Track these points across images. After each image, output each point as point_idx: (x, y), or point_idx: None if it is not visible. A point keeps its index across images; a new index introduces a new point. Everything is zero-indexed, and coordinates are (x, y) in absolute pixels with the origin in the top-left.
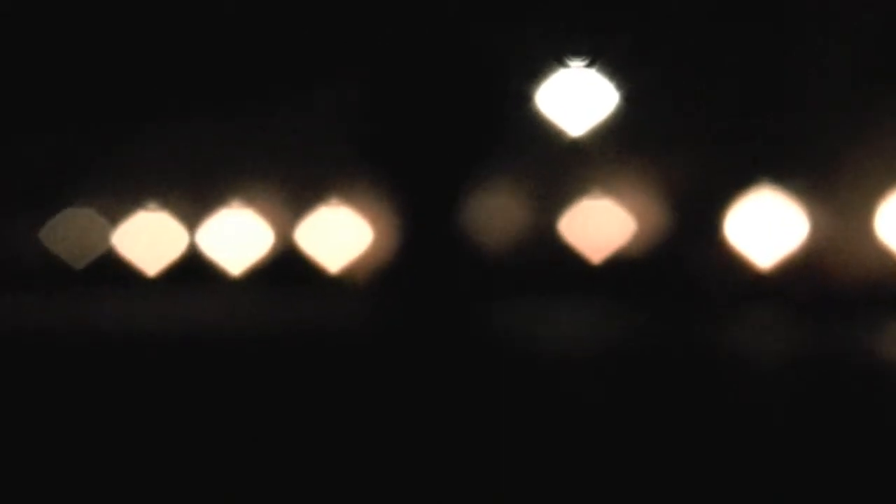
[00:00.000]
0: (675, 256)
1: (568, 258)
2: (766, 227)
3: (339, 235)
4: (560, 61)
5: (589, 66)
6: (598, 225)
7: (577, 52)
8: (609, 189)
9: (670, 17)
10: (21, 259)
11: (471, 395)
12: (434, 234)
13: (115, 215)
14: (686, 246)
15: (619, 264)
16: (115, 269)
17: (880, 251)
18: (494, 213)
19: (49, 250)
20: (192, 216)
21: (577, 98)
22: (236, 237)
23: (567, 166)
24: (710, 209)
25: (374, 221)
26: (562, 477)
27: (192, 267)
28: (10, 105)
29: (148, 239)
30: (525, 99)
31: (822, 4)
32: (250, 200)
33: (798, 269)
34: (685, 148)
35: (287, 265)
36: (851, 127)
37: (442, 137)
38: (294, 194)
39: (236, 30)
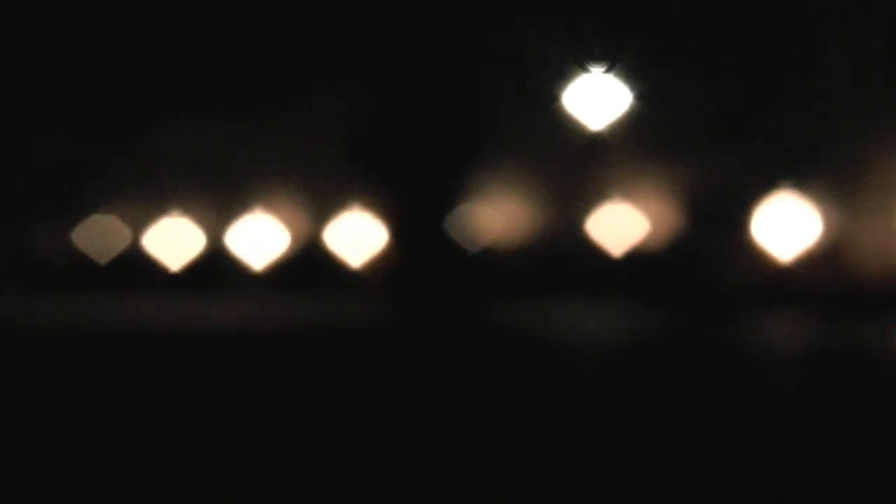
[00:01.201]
0: (695, 255)
1: (590, 257)
2: (784, 225)
3: (357, 237)
4: (582, 66)
5: (607, 71)
6: (620, 224)
7: (596, 58)
8: (629, 190)
9: (685, 23)
10: (50, 261)
11: (488, 393)
12: (450, 234)
13: (140, 220)
14: (706, 244)
15: (639, 263)
16: (140, 271)
17: None
18: (516, 211)
19: (77, 253)
20: (213, 220)
21: (596, 99)
22: (256, 240)
23: (590, 166)
24: (730, 208)
25: (390, 223)
26: (581, 475)
27: (214, 268)
28: (37, 113)
29: (171, 242)
30: (550, 100)
31: (841, 5)
32: (270, 204)
33: (817, 266)
34: (703, 148)
35: (304, 266)
36: (869, 127)
37: (461, 137)
38: (312, 197)
39: (253, 35)
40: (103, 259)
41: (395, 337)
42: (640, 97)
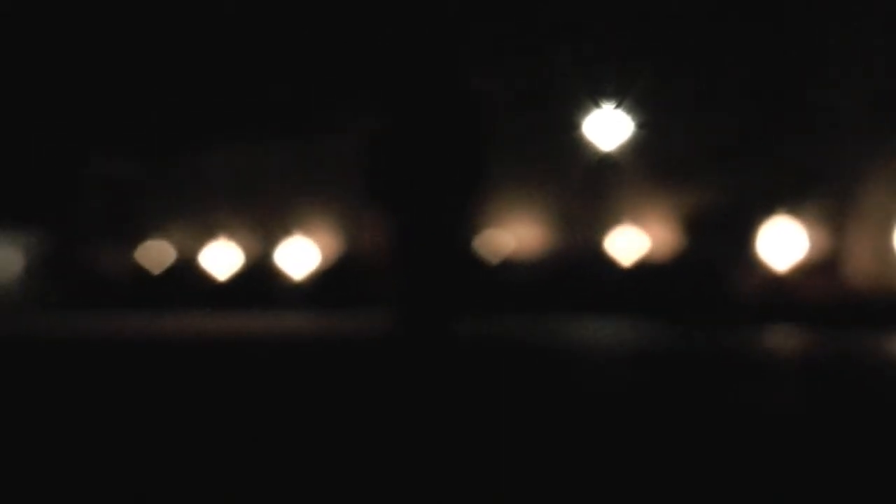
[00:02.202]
0: (700, 269)
1: (603, 273)
2: (779, 242)
3: (380, 255)
4: (595, 103)
5: (617, 106)
6: (630, 243)
7: (607, 96)
8: (639, 211)
9: (689, 62)
10: (111, 280)
11: (502, 400)
12: (475, 251)
13: (191, 243)
14: (710, 260)
15: (648, 278)
16: (190, 287)
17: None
18: (534, 231)
19: (135, 272)
20: (255, 243)
21: (607, 129)
22: (293, 260)
23: (603, 190)
24: (731, 228)
25: (414, 243)
26: (591, 486)
27: (255, 286)
28: (97, 146)
29: (219, 262)
30: (570, 130)
31: (844, 39)
32: (307, 228)
33: (809, 278)
34: (705, 174)
35: (331, 282)
36: (858, 157)
37: (480, 163)
38: (341, 220)
39: (290, 72)
40: (157, 276)
41: (415, 348)
42: (649, 128)
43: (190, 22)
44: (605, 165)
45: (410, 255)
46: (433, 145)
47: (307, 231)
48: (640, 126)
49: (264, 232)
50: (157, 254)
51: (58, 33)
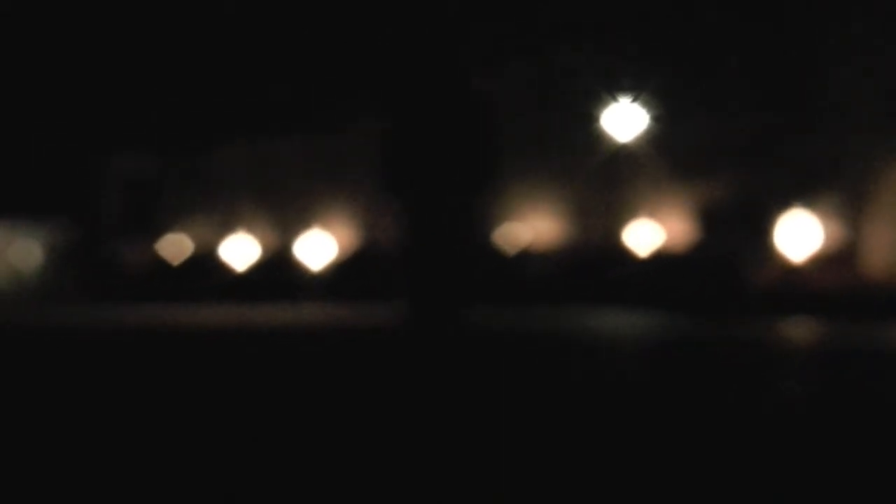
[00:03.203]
0: (718, 261)
1: (621, 264)
2: (799, 235)
3: (395, 248)
4: (613, 97)
5: (634, 100)
6: (647, 235)
7: (625, 89)
8: (657, 204)
9: (706, 57)
10: (132, 272)
11: (513, 392)
12: (494, 243)
13: (210, 237)
14: (729, 251)
15: (664, 269)
16: (211, 279)
17: None
18: (552, 223)
19: (156, 264)
20: (273, 236)
21: (624, 123)
22: (311, 252)
23: (622, 182)
24: (748, 220)
25: (433, 235)
26: (605, 478)
27: (273, 278)
28: (119, 143)
29: (237, 254)
30: (589, 122)
31: (861, 35)
32: (325, 221)
33: (825, 268)
34: (722, 165)
35: (348, 274)
36: (884, 145)
37: (496, 153)
38: (358, 214)
39: (306, 70)
40: (177, 268)
41: (428, 339)
42: (666, 122)
43: (209, 21)
44: (621, 158)
45: (422, 247)
46: (443, 139)
47: (325, 224)
48: (657, 119)
49: (282, 225)
50: (176, 247)
51: (84, 32)
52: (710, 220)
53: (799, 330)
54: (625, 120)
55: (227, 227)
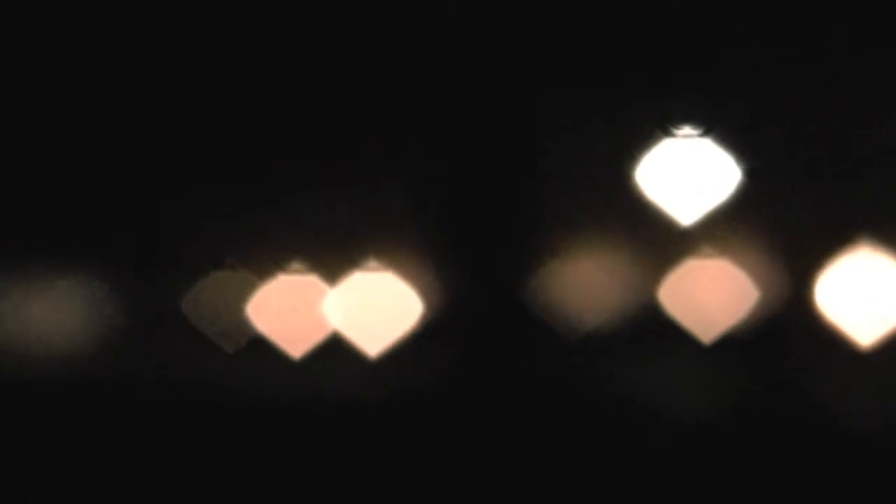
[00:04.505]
0: (776, 322)
1: (664, 323)
2: (868, 298)
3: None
4: (665, 130)
5: (703, 135)
6: (697, 291)
7: (686, 119)
8: (708, 255)
9: (779, 89)
10: (164, 318)
11: (559, 461)
12: (527, 297)
13: (255, 279)
14: (788, 312)
15: (719, 330)
16: (255, 341)
17: None
18: (594, 274)
19: (191, 312)
20: (331, 278)
21: (685, 175)
22: (373, 300)
23: (667, 241)
24: (814, 275)
25: (467, 285)
26: None
27: (333, 338)
28: (158, 173)
29: (287, 302)
30: (622, 173)
31: None
32: (387, 262)
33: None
34: (795, 214)
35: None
36: None
37: (529, 204)
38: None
39: (352, 111)
40: (222, 317)
41: (474, 396)
42: (746, 169)
43: (259, 68)
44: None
45: (471, 299)
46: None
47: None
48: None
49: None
50: (224, 289)
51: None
52: (777, 268)
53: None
54: (676, 159)
55: (275, 270)
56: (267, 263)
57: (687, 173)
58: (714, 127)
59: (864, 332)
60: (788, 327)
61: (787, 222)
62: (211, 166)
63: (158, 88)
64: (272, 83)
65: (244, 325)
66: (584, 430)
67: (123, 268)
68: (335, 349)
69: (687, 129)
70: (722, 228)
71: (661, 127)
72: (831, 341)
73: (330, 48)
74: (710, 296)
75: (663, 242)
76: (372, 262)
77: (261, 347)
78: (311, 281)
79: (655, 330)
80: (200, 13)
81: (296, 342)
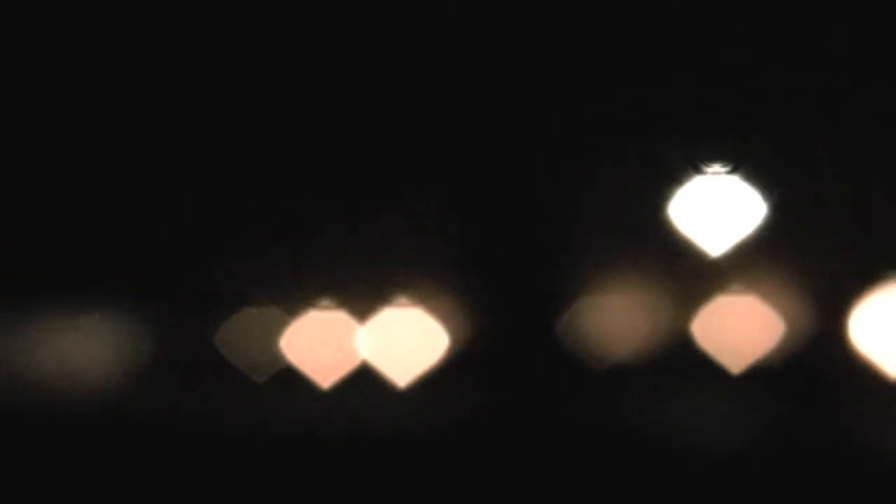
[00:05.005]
0: (807, 357)
1: (697, 358)
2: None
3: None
4: (695, 167)
5: (731, 172)
6: (729, 326)
7: (716, 157)
8: (738, 291)
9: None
10: (195, 360)
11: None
12: (559, 337)
13: (286, 315)
14: (820, 346)
15: (755, 366)
16: (286, 373)
17: None
18: (626, 311)
19: (223, 352)
20: (361, 314)
21: (714, 211)
22: (403, 337)
23: (698, 276)
24: (845, 310)
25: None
26: None
27: (362, 371)
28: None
29: (317, 339)
30: (655, 211)
31: None
32: (418, 298)
33: None
34: (823, 251)
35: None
36: None
37: (560, 242)
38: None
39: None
40: (251, 361)
41: (515, 430)
42: (775, 205)
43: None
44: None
45: (502, 333)
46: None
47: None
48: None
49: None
50: (255, 325)
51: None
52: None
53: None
54: (708, 197)
55: (306, 307)
56: (298, 300)
57: (716, 208)
58: (741, 165)
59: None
60: (821, 361)
61: (819, 259)
62: (243, 205)
63: (194, 128)
64: (305, 123)
65: (274, 359)
66: (611, 462)
67: (158, 305)
68: (365, 380)
69: (716, 167)
70: (753, 264)
71: (692, 165)
72: (864, 375)
73: (365, 90)
74: (740, 330)
75: (694, 277)
76: (401, 299)
77: (291, 379)
78: (341, 317)
79: (687, 363)
80: (236, 49)
81: (325, 373)
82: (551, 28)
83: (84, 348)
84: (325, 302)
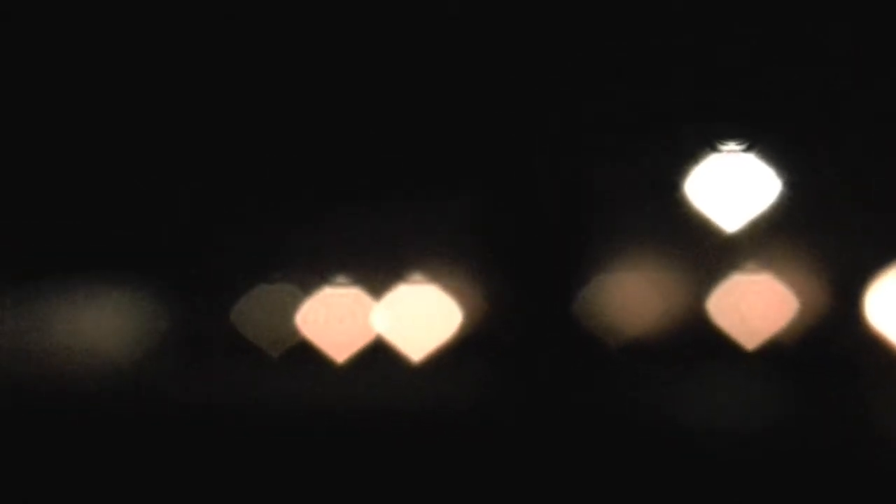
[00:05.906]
0: (823, 336)
1: (713, 338)
2: None
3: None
4: (712, 145)
5: (747, 150)
6: (745, 305)
7: (732, 135)
8: (755, 270)
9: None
10: (210, 336)
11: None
12: (576, 316)
13: (301, 292)
14: (835, 325)
15: (765, 344)
16: (301, 348)
17: None
18: (642, 293)
19: (238, 329)
20: (376, 292)
21: (730, 188)
22: (417, 313)
23: (714, 254)
24: (860, 289)
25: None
26: None
27: (376, 345)
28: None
29: (332, 315)
30: (671, 189)
31: None
32: (433, 276)
33: None
34: (839, 228)
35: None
36: None
37: (579, 223)
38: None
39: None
40: (266, 337)
41: (529, 417)
42: (789, 183)
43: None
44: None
45: (516, 311)
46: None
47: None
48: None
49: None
50: (263, 306)
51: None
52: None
53: None
54: (727, 175)
55: (322, 283)
56: (313, 277)
57: (731, 185)
58: (757, 143)
59: None
60: (836, 340)
61: (834, 237)
62: (261, 182)
63: (207, 109)
64: (320, 102)
65: (290, 334)
66: (627, 438)
67: (175, 282)
68: (379, 356)
69: (731, 145)
70: (770, 243)
71: (708, 143)
72: (879, 352)
73: (378, 68)
74: (755, 308)
75: (710, 255)
76: (416, 276)
77: (306, 354)
78: (356, 293)
79: (702, 342)
80: (247, 39)
81: (340, 348)
82: (551, 28)
83: (101, 325)
84: (341, 279)
